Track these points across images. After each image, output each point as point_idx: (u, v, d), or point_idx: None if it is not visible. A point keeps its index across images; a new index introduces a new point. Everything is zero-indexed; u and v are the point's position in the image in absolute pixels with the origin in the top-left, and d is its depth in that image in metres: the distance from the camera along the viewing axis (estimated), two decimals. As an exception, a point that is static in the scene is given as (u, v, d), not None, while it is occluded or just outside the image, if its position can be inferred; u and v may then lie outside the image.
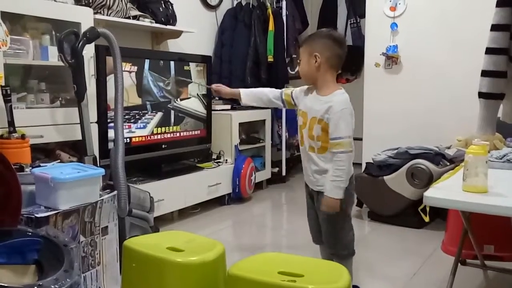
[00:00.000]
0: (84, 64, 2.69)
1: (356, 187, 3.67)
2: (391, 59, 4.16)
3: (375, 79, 4.27)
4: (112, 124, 3.14)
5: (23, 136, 2.42)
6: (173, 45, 4.17)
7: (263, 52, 4.69)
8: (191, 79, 3.87)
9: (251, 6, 4.81)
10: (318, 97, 2.17)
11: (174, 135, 3.75)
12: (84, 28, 2.72)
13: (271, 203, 4.45)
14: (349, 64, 5.64)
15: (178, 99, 3.78)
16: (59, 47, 2.59)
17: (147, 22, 3.58)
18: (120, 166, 2.45)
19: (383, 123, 4.19)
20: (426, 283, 2.61)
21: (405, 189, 3.41)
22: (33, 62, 2.79)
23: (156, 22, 3.66)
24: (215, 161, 4.21)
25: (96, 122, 2.98)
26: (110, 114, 3.12)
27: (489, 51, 2.46)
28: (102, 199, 2.03)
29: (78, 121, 2.71)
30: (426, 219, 2.42)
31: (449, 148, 3.57)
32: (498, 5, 2.44)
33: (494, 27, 2.44)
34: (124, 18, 3.40)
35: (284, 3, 4.91)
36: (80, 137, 2.74)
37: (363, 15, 4.80)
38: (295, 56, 5.12)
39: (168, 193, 3.46)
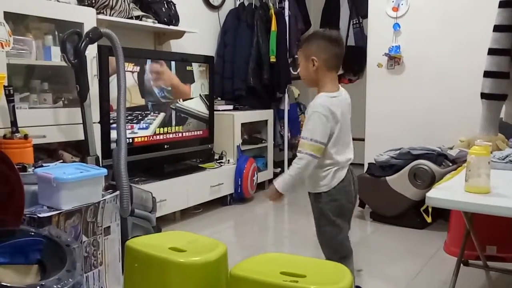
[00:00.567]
0: (86, 64, 2.69)
1: (358, 188, 3.70)
2: (394, 59, 4.16)
3: (377, 80, 4.27)
4: (115, 125, 3.16)
5: (25, 136, 2.43)
6: (176, 46, 4.18)
7: (266, 52, 4.69)
8: (194, 80, 3.88)
9: (253, 7, 4.81)
10: None
11: (176, 135, 3.75)
12: (86, 28, 2.73)
13: (273, 203, 4.44)
14: (352, 64, 5.64)
15: (181, 100, 3.78)
16: (62, 47, 2.60)
17: (149, 22, 3.58)
18: (123, 166, 2.45)
19: (386, 124, 4.19)
20: (428, 283, 2.61)
21: (408, 189, 3.40)
22: (36, 62, 2.80)
23: (158, 22, 3.67)
24: (217, 161, 4.21)
25: (98, 122, 2.99)
26: (113, 114, 3.13)
27: (491, 52, 2.46)
28: (105, 199, 2.03)
29: (81, 121, 2.71)
30: (429, 219, 2.42)
31: (451, 148, 3.56)
32: (500, 5, 2.44)
33: (497, 28, 2.44)
34: (127, 18, 3.40)
35: (286, 4, 4.91)
36: (82, 137, 2.75)
37: (365, 16, 4.80)
38: (297, 56, 5.12)
39: (171, 193, 3.47)
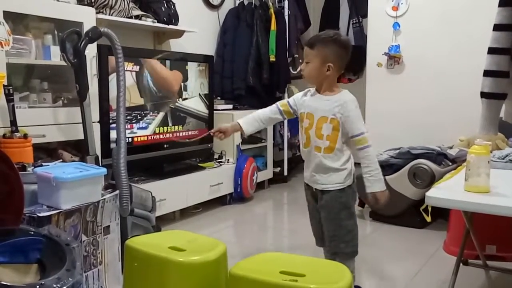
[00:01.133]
0: (86, 63, 2.69)
1: (358, 187, 3.70)
2: (393, 59, 4.16)
3: (377, 79, 4.27)
4: (114, 125, 3.16)
5: (25, 136, 2.43)
6: (175, 45, 4.18)
7: (265, 51, 4.69)
8: (190, 78, 3.88)
9: (253, 6, 4.80)
10: (324, 97, 2.19)
11: (176, 135, 3.75)
12: (86, 27, 2.73)
13: (273, 203, 4.45)
14: (351, 64, 5.62)
15: (180, 99, 3.78)
16: (62, 47, 2.60)
17: (149, 21, 3.58)
18: (122, 165, 2.45)
19: (385, 123, 4.19)
20: (428, 283, 2.61)
21: (407, 189, 3.40)
22: (35, 62, 2.79)
23: (158, 22, 3.67)
24: (217, 161, 4.21)
25: (98, 122, 2.98)
26: (112, 114, 3.13)
27: (491, 51, 2.45)
28: (104, 199, 2.03)
29: (80, 121, 2.71)
30: (428, 219, 2.42)
31: (451, 148, 3.56)
32: (500, 4, 2.44)
33: (497, 27, 2.43)
34: (126, 17, 3.40)
35: (286, 3, 4.90)
36: (82, 137, 2.75)
37: (365, 15, 4.79)
38: (297, 56, 5.12)
39: (170, 192, 3.47)
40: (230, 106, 4.54)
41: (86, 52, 2.66)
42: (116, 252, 2.14)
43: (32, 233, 1.62)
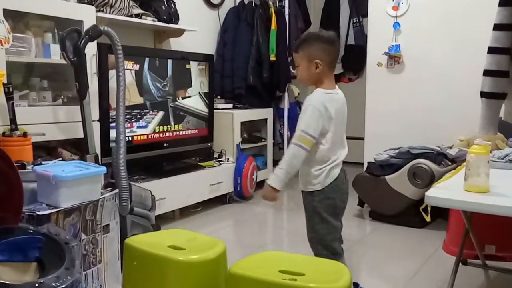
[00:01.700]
0: (86, 62, 2.69)
1: (357, 187, 3.71)
2: (394, 58, 4.15)
3: (377, 79, 4.27)
4: (113, 124, 3.16)
5: (25, 134, 2.43)
6: (176, 44, 4.17)
7: (266, 51, 4.69)
8: (192, 79, 3.88)
9: (253, 5, 4.80)
10: None
11: (176, 133, 3.75)
12: (86, 26, 2.73)
13: (271, 203, 4.44)
14: (352, 63, 5.64)
15: (180, 98, 3.78)
16: (61, 45, 2.60)
17: (149, 20, 3.58)
18: (122, 164, 2.45)
19: (385, 123, 4.19)
20: (427, 282, 2.61)
21: (407, 188, 3.41)
22: (35, 60, 2.79)
23: (158, 21, 3.66)
24: (217, 160, 4.21)
25: (98, 120, 2.98)
26: (112, 113, 3.13)
27: (491, 50, 2.45)
28: (104, 197, 2.03)
29: (80, 119, 2.71)
30: (428, 218, 2.42)
31: (451, 148, 3.56)
32: (500, 4, 2.44)
33: (497, 27, 2.43)
34: (127, 16, 3.40)
35: (286, 2, 4.90)
36: (82, 135, 2.75)
37: (365, 15, 4.79)
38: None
39: (170, 191, 3.47)
40: (230, 105, 4.54)
41: (86, 50, 2.66)
42: (116, 250, 2.13)
43: (31, 231, 1.62)
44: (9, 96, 2.42)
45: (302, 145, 2.05)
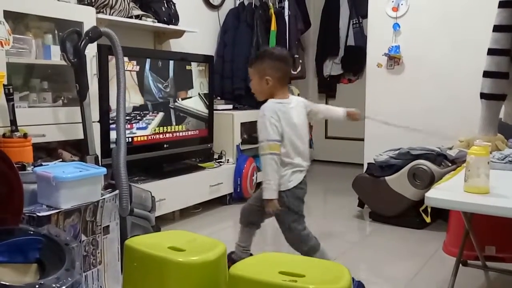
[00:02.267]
0: (86, 63, 2.69)
1: (357, 188, 3.71)
2: (393, 59, 4.16)
3: (377, 80, 4.27)
4: (113, 126, 3.16)
5: (25, 135, 2.43)
6: (175, 45, 4.18)
7: (265, 52, 4.68)
8: (193, 79, 3.88)
9: (253, 6, 4.81)
10: None
11: (175, 134, 3.75)
12: (86, 27, 2.73)
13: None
14: (351, 64, 5.65)
15: (180, 99, 3.78)
16: (62, 46, 2.60)
17: (149, 21, 3.58)
18: (122, 165, 2.45)
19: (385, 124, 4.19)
20: (427, 284, 2.61)
21: (407, 189, 3.41)
22: (35, 61, 2.79)
23: (158, 22, 3.67)
24: (217, 161, 4.21)
25: (98, 122, 2.98)
26: (112, 114, 3.13)
27: (491, 52, 2.46)
28: (104, 198, 2.03)
29: (80, 120, 2.71)
30: (428, 219, 2.43)
31: (451, 149, 3.56)
32: (500, 6, 2.44)
33: (496, 28, 2.44)
34: (127, 17, 3.40)
35: (286, 3, 4.91)
36: (82, 136, 2.75)
37: (365, 16, 4.80)
38: (297, 56, 5.13)
39: (170, 192, 3.47)
40: (230, 106, 4.54)
41: (86, 51, 2.66)
42: (116, 252, 2.13)
43: (31, 232, 1.62)
44: (9, 97, 2.42)
45: (272, 152, 2.23)
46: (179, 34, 4.01)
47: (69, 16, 2.81)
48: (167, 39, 4.05)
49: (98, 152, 2.86)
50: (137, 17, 3.51)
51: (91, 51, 2.84)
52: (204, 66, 4.01)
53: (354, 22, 5.65)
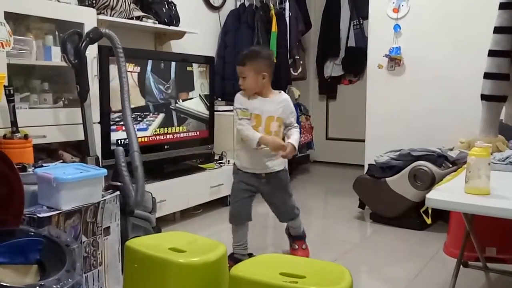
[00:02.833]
0: (87, 64, 2.70)
1: (358, 189, 3.71)
2: (394, 60, 4.16)
3: (378, 81, 4.27)
4: (114, 127, 3.16)
5: (26, 136, 2.43)
6: (176, 46, 4.18)
7: (266, 53, 4.69)
8: (194, 80, 3.88)
9: (254, 7, 4.81)
10: (267, 99, 2.64)
11: (176, 136, 3.75)
12: (87, 28, 2.73)
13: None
14: (352, 65, 5.65)
15: (181, 100, 3.78)
16: (62, 48, 2.60)
17: (150, 23, 3.58)
18: (138, 162, 2.53)
19: (386, 125, 4.19)
20: (428, 285, 2.61)
21: (408, 191, 3.40)
22: (36, 62, 2.80)
23: (159, 23, 3.67)
24: (218, 162, 4.20)
25: (98, 123, 2.98)
26: (113, 116, 3.14)
27: (491, 53, 2.46)
28: (104, 200, 2.04)
29: (81, 122, 2.72)
30: (428, 221, 2.42)
31: (451, 150, 3.56)
32: (501, 7, 2.44)
33: (497, 30, 2.44)
34: (127, 18, 3.40)
35: (287, 4, 4.91)
36: (82, 138, 2.75)
37: (366, 17, 4.80)
38: (298, 57, 5.13)
39: (170, 193, 3.47)
40: (231, 108, 4.54)
41: (87, 53, 2.66)
42: (116, 253, 2.14)
43: (32, 233, 1.62)
44: (10, 99, 2.42)
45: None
46: (179, 35, 4.01)
47: (69, 17, 2.82)
48: (167, 40, 4.06)
49: (99, 153, 2.86)
50: (138, 18, 3.52)
51: (91, 52, 2.84)
52: (205, 67, 4.01)
53: (355, 23, 5.65)
